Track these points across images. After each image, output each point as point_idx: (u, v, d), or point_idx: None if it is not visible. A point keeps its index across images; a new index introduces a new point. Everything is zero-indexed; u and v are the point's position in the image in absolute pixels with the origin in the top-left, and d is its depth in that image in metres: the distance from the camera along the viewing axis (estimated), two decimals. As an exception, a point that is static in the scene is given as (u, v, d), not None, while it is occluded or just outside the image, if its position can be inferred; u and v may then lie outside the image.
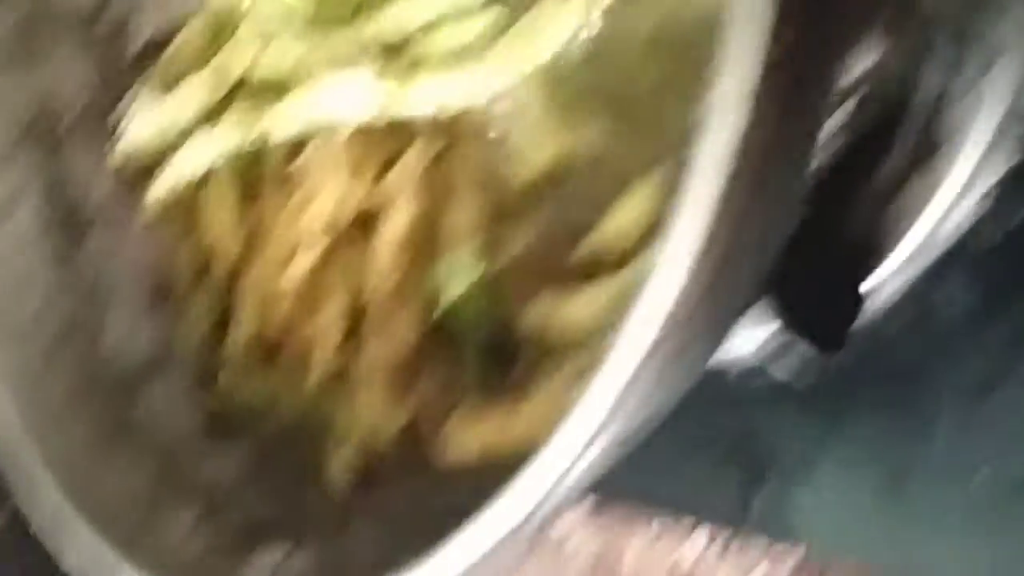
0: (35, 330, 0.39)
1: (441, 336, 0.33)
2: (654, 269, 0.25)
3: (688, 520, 0.52)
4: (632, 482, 0.43)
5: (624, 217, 0.31)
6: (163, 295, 0.41)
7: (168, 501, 0.38)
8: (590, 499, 0.55)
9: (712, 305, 0.28)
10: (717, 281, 0.27)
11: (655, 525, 0.52)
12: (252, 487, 0.38)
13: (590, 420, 0.25)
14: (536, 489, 0.25)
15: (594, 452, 0.26)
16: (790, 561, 0.46)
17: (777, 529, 0.39)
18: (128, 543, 0.36)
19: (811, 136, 0.29)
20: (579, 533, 0.55)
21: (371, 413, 0.34)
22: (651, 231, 0.29)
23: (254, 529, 0.37)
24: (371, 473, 0.35)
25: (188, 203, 0.40)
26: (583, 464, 0.26)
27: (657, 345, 0.26)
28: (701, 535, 0.51)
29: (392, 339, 0.33)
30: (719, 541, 0.50)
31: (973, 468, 0.36)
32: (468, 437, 0.31)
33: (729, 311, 0.31)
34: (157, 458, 0.39)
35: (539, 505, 0.25)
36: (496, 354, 0.32)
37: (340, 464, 0.35)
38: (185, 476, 0.39)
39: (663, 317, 0.26)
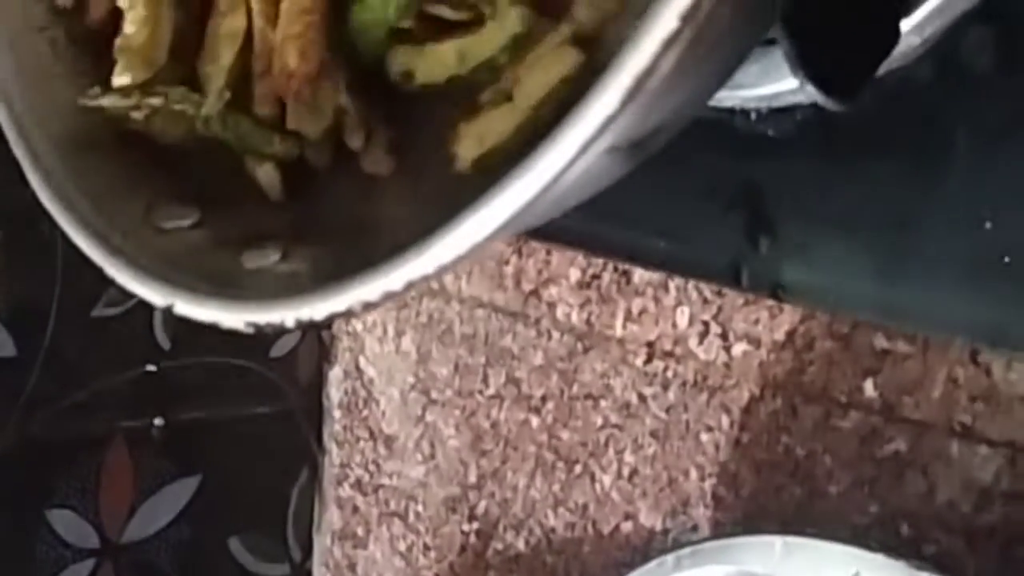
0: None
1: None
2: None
3: (674, 295, 0.52)
4: (630, 233, 0.43)
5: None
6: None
7: (164, 205, 0.38)
8: (579, 269, 0.55)
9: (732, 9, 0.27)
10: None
11: (639, 301, 0.52)
12: (250, 199, 0.38)
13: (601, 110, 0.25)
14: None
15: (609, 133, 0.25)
16: (782, 325, 0.46)
17: (772, 287, 0.39)
18: (124, 234, 0.36)
19: None
20: (568, 301, 0.55)
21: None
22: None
23: (249, 237, 0.37)
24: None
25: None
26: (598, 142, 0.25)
27: (676, 35, 0.26)
28: (685, 311, 0.52)
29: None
30: (705, 313, 0.50)
31: (980, 220, 0.35)
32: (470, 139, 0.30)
33: (746, 25, 0.30)
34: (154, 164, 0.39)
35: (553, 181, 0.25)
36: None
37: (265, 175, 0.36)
38: (181, 184, 0.39)
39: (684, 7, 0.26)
